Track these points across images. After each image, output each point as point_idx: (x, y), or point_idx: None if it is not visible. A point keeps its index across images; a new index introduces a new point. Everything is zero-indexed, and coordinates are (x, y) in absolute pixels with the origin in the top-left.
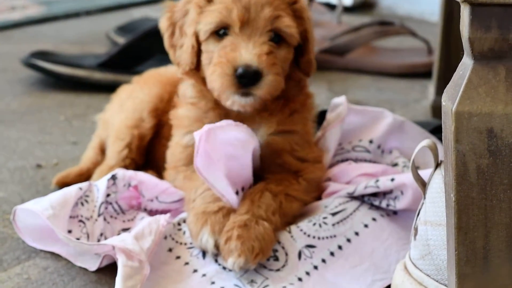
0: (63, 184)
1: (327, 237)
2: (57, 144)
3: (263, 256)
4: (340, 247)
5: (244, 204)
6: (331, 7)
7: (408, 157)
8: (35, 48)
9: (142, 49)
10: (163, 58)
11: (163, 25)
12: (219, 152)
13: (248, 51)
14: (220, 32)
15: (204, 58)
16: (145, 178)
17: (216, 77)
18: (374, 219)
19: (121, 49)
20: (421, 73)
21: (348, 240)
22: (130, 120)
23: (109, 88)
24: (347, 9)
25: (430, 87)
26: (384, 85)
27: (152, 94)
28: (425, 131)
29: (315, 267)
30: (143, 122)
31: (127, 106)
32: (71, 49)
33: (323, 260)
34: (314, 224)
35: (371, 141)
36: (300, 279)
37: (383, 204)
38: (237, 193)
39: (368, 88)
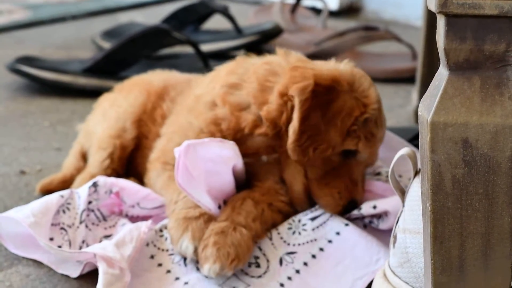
0: (46, 191)
1: (307, 242)
2: (41, 150)
3: (239, 262)
4: (321, 249)
5: (225, 211)
6: (317, 11)
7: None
8: (21, 52)
9: (127, 54)
10: (149, 63)
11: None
12: (198, 168)
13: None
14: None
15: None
16: (126, 184)
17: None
18: None
19: (107, 54)
20: (405, 78)
21: (330, 241)
22: (112, 129)
23: (94, 94)
24: (333, 14)
25: (414, 92)
26: None
27: (135, 104)
28: (404, 141)
29: (297, 271)
30: (125, 133)
31: (110, 115)
32: (57, 54)
33: (305, 263)
34: (294, 232)
35: None
36: (282, 285)
37: (366, 220)
38: (219, 207)
39: None
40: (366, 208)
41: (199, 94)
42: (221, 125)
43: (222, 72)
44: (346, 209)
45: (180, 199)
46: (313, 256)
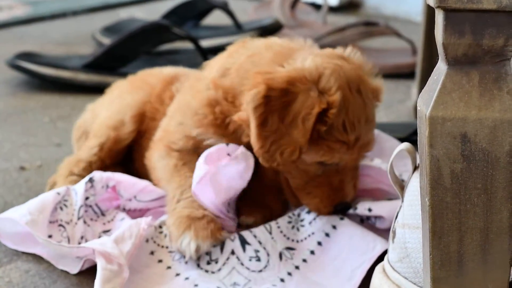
0: None
1: (305, 238)
2: (41, 146)
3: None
4: (319, 243)
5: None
6: (317, 7)
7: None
8: (21, 48)
9: (127, 50)
10: (149, 59)
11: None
12: (219, 185)
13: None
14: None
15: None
16: (122, 178)
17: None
18: None
19: (106, 50)
20: (405, 73)
21: (327, 235)
22: (111, 120)
23: (94, 90)
24: (333, 9)
25: (413, 87)
26: None
27: (138, 99)
28: (398, 142)
29: (297, 267)
30: (123, 126)
31: (113, 106)
32: (57, 49)
33: (304, 260)
34: (293, 227)
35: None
36: (282, 280)
37: (363, 217)
38: (227, 211)
39: None
40: (362, 210)
41: (202, 75)
42: (215, 107)
43: (225, 53)
44: (337, 211)
45: (183, 198)
46: (312, 252)
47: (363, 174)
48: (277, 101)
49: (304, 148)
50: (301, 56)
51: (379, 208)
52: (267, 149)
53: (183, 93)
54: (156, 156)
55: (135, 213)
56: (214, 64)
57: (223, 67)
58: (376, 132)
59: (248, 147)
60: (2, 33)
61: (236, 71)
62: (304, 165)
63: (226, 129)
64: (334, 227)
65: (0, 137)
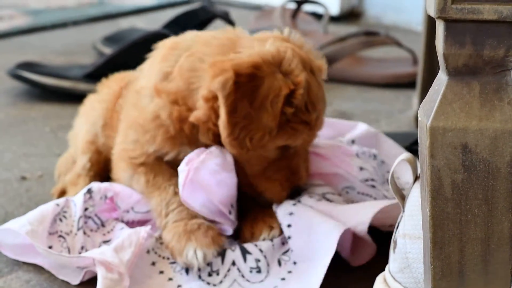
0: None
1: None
2: (42, 156)
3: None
4: (289, 226)
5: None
6: (318, 16)
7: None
8: (22, 58)
9: (128, 60)
10: None
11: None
12: (207, 181)
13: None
14: None
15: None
16: (119, 189)
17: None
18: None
19: (107, 60)
20: (406, 83)
21: (290, 225)
22: (89, 134)
23: None
24: (334, 19)
25: (414, 97)
26: (370, 95)
27: (104, 107)
28: (398, 146)
29: (294, 263)
30: (97, 138)
31: (88, 118)
32: (58, 59)
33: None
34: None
35: (353, 141)
36: (283, 279)
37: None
38: (229, 212)
39: (354, 99)
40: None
41: (139, 87)
42: (164, 118)
43: (157, 58)
44: (290, 196)
45: (170, 211)
46: (289, 237)
47: (321, 156)
48: (246, 87)
49: (274, 132)
50: (246, 44)
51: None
52: (236, 136)
53: (127, 108)
54: (124, 177)
55: (133, 225)
56: (148, 72)
57: (162, 72)
58: (375, 131)
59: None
60: (3, 43)
61: (179, 73)
62: (265, 150)
63: (183, 137)
64: (291, 213)
65: (1, 147)
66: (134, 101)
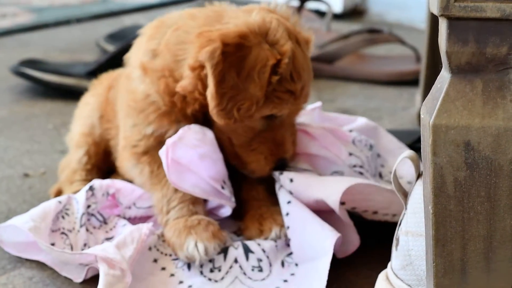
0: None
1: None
2: (45, 153)
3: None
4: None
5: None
6: (321, 14)
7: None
8: (25, 55)
9: None
10: None
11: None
12: (191, 157)
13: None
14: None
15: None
16: (121, 185)
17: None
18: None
19: (110, 57)
20: (409, 80)
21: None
22: (84, 127)
23: None
24: (337, 16)
25: (417, 95)
26: (373, 93)
27: (100, 99)
28: (397, 141)
29: (296, 265)
30: (94, 129)
31: (83, 113)
32: (61, 57)
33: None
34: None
35: (350, 131)
36: (285, 281)
37: None
38: (222, 188)
39: (357, 96)
40: (284, 178)
41: (128, 71)
42: (154, 96)
43: (143, 38)
44: (276, 168)
45: (171, 208)
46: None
47: (310, 135)
48: (233, 57)
49: (261, 102)
50: (232, 15)
51: (300, 180)
52: (224, 106)
53: (121, 97)
54: (128, 166)
55: (135, 221)
56: (135, 54)
57: (149, 50)
58: (375, 125)
59: (197, 119)
60: (6, 40)
61: (166, 47)
62: (252, 121)
63: (177, 112)
64: (289, 202)
65: (4, 144)
66: (125, 86)
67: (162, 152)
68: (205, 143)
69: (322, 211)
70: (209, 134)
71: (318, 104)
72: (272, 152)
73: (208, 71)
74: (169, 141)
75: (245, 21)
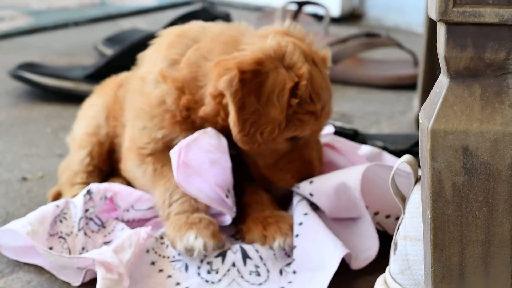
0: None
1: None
2: (43, 156)
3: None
4: (297, 236)
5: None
6: (319, 18)
7: None
8: (23, 59)
9: (129, 61)
10: None
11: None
12: (201, 161)
13: None
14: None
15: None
16: (118, 188)
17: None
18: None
19: (108, 61)
20: (407, 85)
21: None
22: (89, 127)
23: None
24: (335, 20)
25: (415, 99)
26: (371, 97)
27: (107, 100)
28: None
29: (294, 272)
30: (100, 129)
31: (88, 114)
32: (59, 60)
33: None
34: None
35: None
36: None
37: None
38: (226, 196)
39: (355, 100)
40: (303, 190)
41: (143, 73)
42: (169, 104)
43: (162, 44)
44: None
45: (173, 201)
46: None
47: (336, 150)
48: (251, 83)
49: (282, 124)
50: (248, 41)
51: (319, 177)
52: (247, 132)
53: (131, 98)
54: (132, 166)
55: (133, 224)
56: (152, 58)
57: (169, 58)
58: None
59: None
60: (4, 44)
61: (187, 64)
62: (276, 143)
63: (190, 123)
64: (305, 214)
65: (2, 148)
66: (138, 88)
67: (173, 152)
68: (218, 149)
69: (340, 220)
70: (223, 141)
71: (331, 130)
72: (300, 170)
73: (228, 99)
74: (183, 142)
75: (261, 47)
